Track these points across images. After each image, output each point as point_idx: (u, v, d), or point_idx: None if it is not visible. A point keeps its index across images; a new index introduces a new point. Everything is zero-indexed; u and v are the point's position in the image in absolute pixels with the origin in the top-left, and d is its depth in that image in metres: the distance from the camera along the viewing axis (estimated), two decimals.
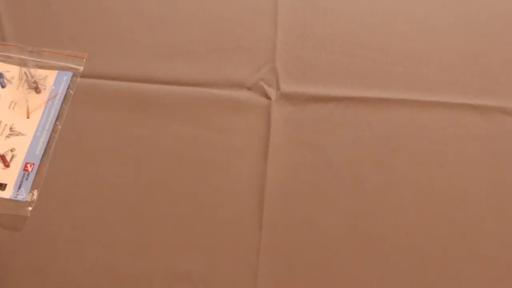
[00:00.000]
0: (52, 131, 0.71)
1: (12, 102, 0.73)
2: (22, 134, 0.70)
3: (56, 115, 0.72)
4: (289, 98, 0.74)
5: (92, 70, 0.76)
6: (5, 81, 0.74)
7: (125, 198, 0.66)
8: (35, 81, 0.74)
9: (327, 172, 0.69)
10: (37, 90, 0.74)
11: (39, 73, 0.75)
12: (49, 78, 0.75)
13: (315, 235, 0.64)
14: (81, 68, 0.75)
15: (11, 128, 0.71)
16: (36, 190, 0.66)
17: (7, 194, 0.66)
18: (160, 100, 0.74)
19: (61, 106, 0.73)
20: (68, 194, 0.66)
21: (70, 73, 0.75)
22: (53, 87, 0.74)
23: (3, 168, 0.68)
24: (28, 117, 0.72)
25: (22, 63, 0.76)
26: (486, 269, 0.63)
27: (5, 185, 0.67)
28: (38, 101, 0.73)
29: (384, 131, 0.72)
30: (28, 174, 0.67)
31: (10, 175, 0.67)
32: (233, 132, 0.71)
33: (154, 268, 0.62)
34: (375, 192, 0.67)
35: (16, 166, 0.68)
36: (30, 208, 0.65)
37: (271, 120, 0.72)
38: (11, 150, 0.69)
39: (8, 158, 0.69)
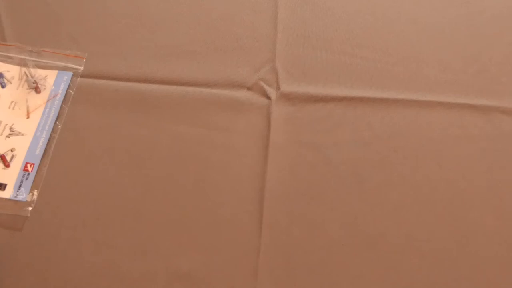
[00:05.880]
0: (52, 131, 0.71)
1: (12, 102, 0.73)
2: (22, 134, 0.71)
3: (56, 115, 0.72)
4: (289, 98, 0.74)
5: (92, 70, 0.76)
6: (5, 81, 0.74)
7: (125, 198, 0.66)
8: (35, 81, 0.74)
9: (327, 172, 0.69)
10: (37, 90, 0.74)
11: (39, 73, 0.75)
12: (49, 78, 0.75)
13: (315, 235, 0.64)
14: (81, 68, 0.75)
15: (11, 128, 0.71)
16: (36, 190, 0.66)
17: (7, 194, 0.66)
18: (160, 100, 0.74)
19: (61, 106, 0.73)
20: (68, 194, 0.66)
21: (70, 73, 0.75)
22: (53, 87, 0.74)
23: (3, 168, 0.68)
24: (28, 117, 0.72)
25: (22, 63, 0.76)
26: (486, 269, 0.63)
27: (5, 185, 0.67)
28: (38, 101, 0.73)
29: (384, 131, 0.72)
30: (28, 174, 0.67)
31: (10, 175, 0.67)
32: (233, 132, 0.71)
33: (154, 268, 0.62)
34: (375, 192, 0.67)
35: (16, 166, 0.68)
36: (30, 208, 0.65)
37: (271, 120, 0.72)
38: (11, 150, 0.69)
39: (8, 158, 0.69)
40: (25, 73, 0.75)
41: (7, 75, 0.75)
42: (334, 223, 0.65)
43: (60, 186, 0.67)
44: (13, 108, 0.73)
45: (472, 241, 0.65)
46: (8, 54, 0.76)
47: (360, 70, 0.77)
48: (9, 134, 0.70)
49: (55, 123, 0.71)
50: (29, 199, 0.66)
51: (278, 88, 0.75)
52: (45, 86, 0.74)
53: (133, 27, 0.80)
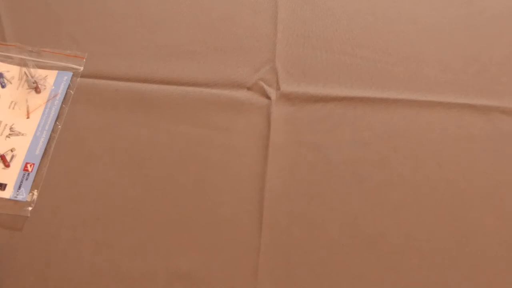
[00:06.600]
0: (52, 131, 0.71)
1: (12, 102, 0.73)
2: (22, 134, 0.71)
3: (56, 115, 0.72)
4: (289, 98, 0.74)
5: (92, 70, 0.76)
6: (5, 81, 0.74)
7: (125, 198, 0.66)
8: (35, 81, 0.74)
9: (327, 172, 0.69)
10: (37, 90, 0.74)
11: (39, 73, 0.75)
12: (49, 78, 0.75)
13: (315, 235, 0.64)
14: (81, 68, 0.76)
15: (11, 128, 0.71)
16: (36, 190, 0.66)
17: (7, 194, 0.66)
18: (160, 100, 0.74)
19: (61, 106, 0.73)
20: (68, 194, 0.66)
21: (70, 73, 0.75)
22: (53, 87, 0.74)
23: (3, 168, 0.68)
24: (28, 117, 0.72)
25: (22, 63, 0.76)
26: (486, 269, 0.63)
27: (5, 185, 0.67)
28: (38, 101, 0.73)
29: (384, 131, 0.72)
30: (28, 174, 0.67)
31: (10, 175, 0.67)
32: (233, 132, 0.71)
33: (154, 268, 0.62)
34: (375, 192, 0.67)
35: (16, 166, 0.68)
36: (30, 208, 0.65)
37: (271, 120, 0.72)
38: (11, 150, 0.69)
39: (8, 158, 0.69)
40: (25, 73, 0.75)
41: (7, 75, 0.75)
42: (334, 223, 0.65)
43: (60, 186, 0.67)
44: (13, 108, 0.73)
45: (472, 241, 0.65)
46: (8, 54, 0.76)
47: (360, 70, 0.77)
48: (9, 134, 0.70)
49: (55, 123, 0.71)
50: (29, 199, 0.66)
51: (278, 88, 0.75)
52: (45, 86, 0.74)
53: (133, 27, 0.80)
